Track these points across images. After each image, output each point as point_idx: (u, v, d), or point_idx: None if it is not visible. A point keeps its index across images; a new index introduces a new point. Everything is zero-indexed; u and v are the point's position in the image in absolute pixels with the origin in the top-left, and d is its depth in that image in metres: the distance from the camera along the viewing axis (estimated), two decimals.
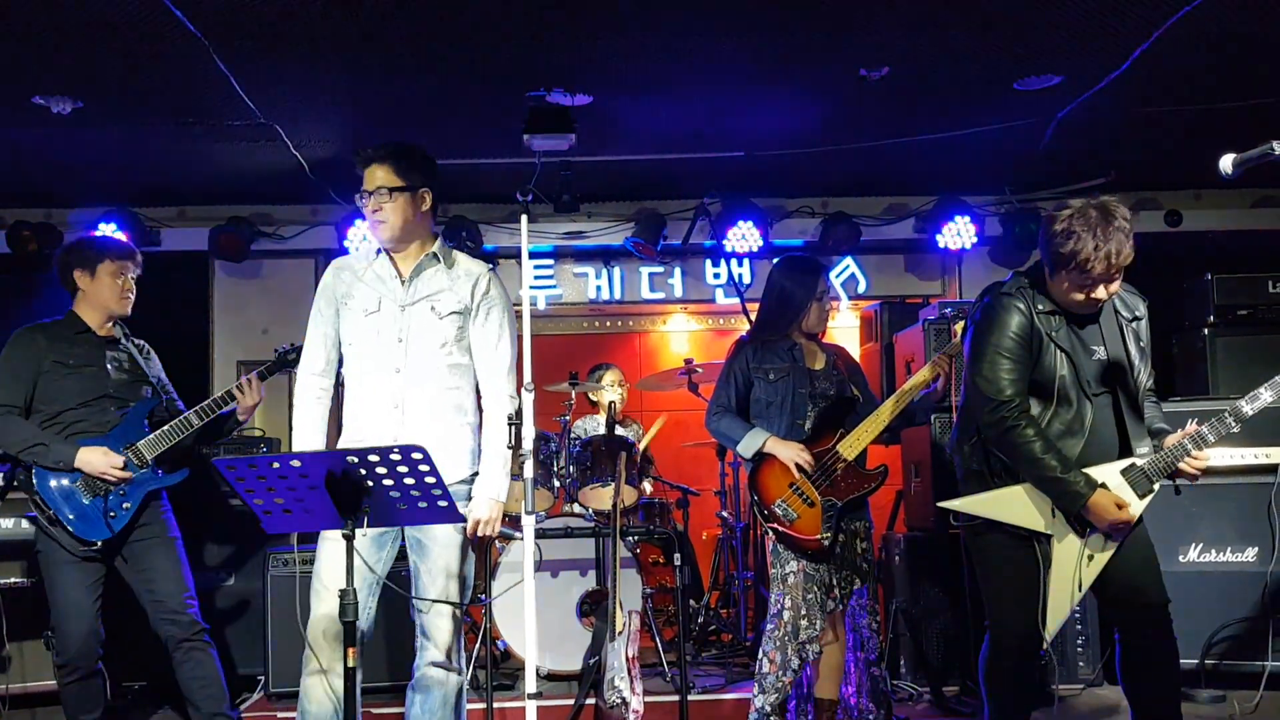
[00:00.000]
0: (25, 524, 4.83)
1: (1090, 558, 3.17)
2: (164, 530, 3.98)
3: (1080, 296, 3.14)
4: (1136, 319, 3.33)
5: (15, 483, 3.88)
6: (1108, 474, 3.17)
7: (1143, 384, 3.28)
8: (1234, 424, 3.17)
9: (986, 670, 3.33)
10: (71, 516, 3.79)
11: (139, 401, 4.00)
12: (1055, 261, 3.12)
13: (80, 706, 3.89)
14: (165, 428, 3.94)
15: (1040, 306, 3.20)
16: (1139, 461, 3.19)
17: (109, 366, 3.98)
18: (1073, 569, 3.17)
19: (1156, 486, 3.20)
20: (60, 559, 3.82)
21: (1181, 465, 3.18)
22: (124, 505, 3.86)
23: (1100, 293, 3.12)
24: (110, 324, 4.04)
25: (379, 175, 3.33)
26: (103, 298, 3.96)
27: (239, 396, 4.03)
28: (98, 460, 3.79)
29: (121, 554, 3.92)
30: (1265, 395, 3.15)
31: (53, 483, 3.81)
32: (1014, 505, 3.20)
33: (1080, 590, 3.19)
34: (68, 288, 4.01)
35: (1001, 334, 3.19)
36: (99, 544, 3.80)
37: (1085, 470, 3.13)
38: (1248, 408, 3.16)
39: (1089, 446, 3.19)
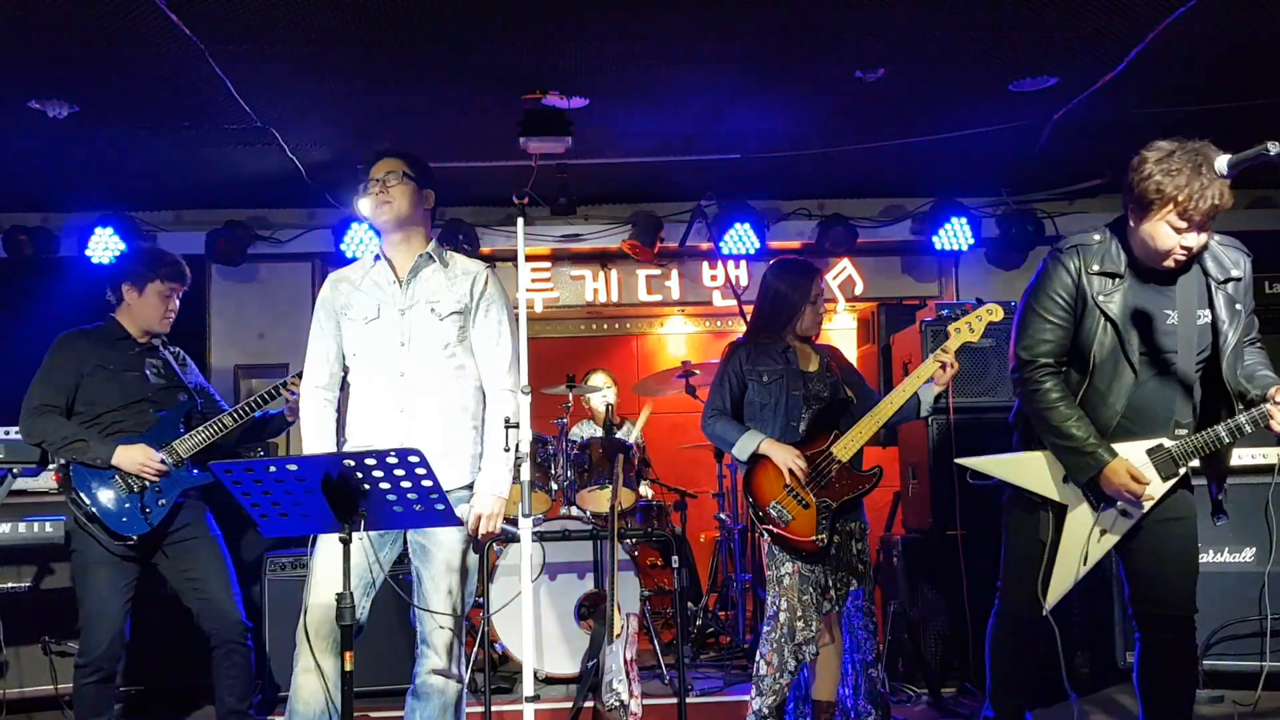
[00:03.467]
0: (22, 528, 4.84)
1: (1102, 533, 3.09)
2: (206, 530, 4.06)
3: (1170, 245, 2.92)
4: (1232, 280, 3.07)
5: (56, 477, 3.97)
6: (1131, 453, 3.05)
7: (1229, 347, 3.04)
8: None
9: (991, 638, 3.32)
10: (109, 511, 3.86)
11: (172, 406, 4.07)
12: (1146, 202, 2.89)
13: (94, 709, 3.91)
14: (200, 428, 4.02)
15: (1096, 267, 3.04)
16: (1167, 443, 3.07)
17: (148, 372, 4.07)
18: (1082, 542, 3.10)
19: (1182, 471, 3.07)
20: (96, 559, 3.88)
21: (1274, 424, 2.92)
22: (159, 502, 3.94)
23: (1191, 240, 2.90)
24: (148, 334, 4.12)
25: (389, 163, 3.36)
26: (145, 315, 4.06)
27: (290, 397, 4.08)
28: (137, 455, 3.87)
29: (163, 551, 3.99)
30: None
31: (90, 480, 3.88)
32: (1033, 469, 3.14)
33: (1085, 565, 3.10)
34: (113, 296, 4.10)
35: (1042, 294, 3.11)
36: (135, 539, 3.87)
37: (1110, 445, 3.04)
38: None
39: (1128, 419, 3.07)
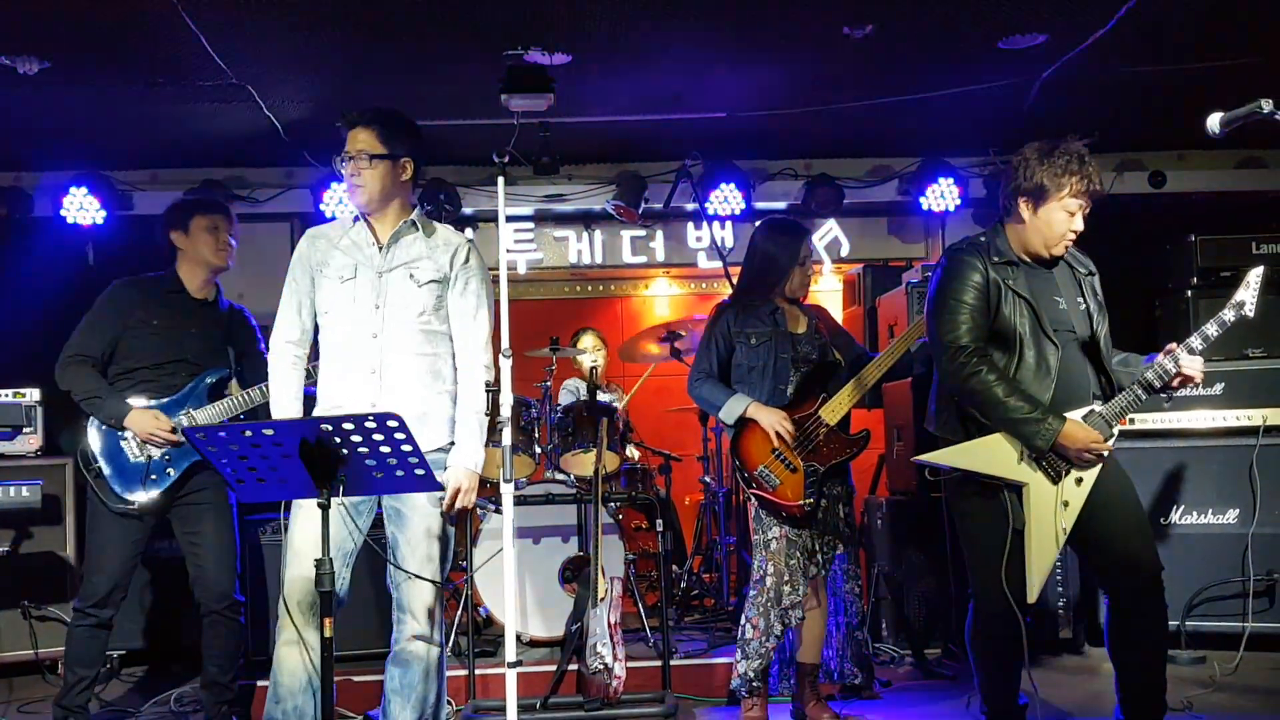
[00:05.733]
0: None
1: (1065, 504, 3.16)
2: (220, 497, 3.97)
3: (1065, 229, 3.20)
4: (1091, 274, 3.41)
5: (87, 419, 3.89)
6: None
7: (1102, 334, 3.32)
8: (1216, 331, 3.20)
9: (972, 638, 3.32)
10: (110, 471, 3.82)
11: (209, 370, 3.99)
12: (1044, 189, 3.17)
13: (83, 655, 3.88)
14: (224, 400, 3.96)
15: (996, 259, 3.26)
16: (1098, 407, 3.21)
17: (193, 331, 4.00)
18: (1052, 518, 3.16)
19: (1115, 431, 3.22)
20: (103, 509, 3.86)
21: (1175, 382, 3.20)
22: (167, 470, 3.88)
23: (1078, 223, 3.21)
24: (208, 285, 4.07)
25: (361, 139, 3.27)
26: (200, 253, 4.02)
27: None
28: (147, 422, 3.81)
29: (174, 514, 3.94)
30: (1241, 295, 3.19)
31: (105, 438, 3.85)
32: (990, 453, 3.17)
33: (1060, 540, 3.17)
34: (169, 252, 4.06)
35: (960, 286, 3.23)
36: (135, 504, 3.83)
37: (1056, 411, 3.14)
38: (1230, 314, 3.20)
39: (1059, 390, 3.20)
